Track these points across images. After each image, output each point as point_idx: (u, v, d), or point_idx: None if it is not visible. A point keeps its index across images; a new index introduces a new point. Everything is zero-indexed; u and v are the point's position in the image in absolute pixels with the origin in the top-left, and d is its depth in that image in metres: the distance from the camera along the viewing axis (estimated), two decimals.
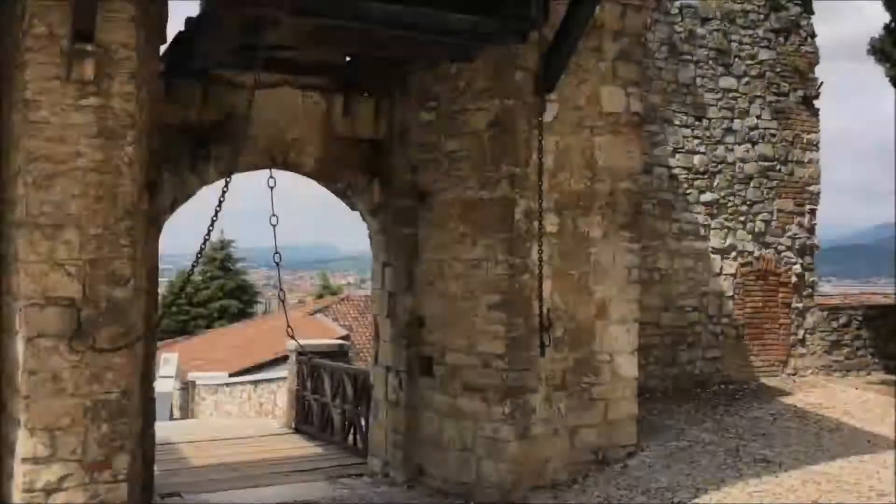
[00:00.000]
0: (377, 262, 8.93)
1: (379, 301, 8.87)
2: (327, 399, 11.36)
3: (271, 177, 8.95)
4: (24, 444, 5.70)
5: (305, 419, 12.14)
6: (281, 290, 10.92)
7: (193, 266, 7.01)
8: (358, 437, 10.32)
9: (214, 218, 5.87)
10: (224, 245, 45.96)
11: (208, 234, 5.96)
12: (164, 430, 14.98)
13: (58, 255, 5.78)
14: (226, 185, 6.03)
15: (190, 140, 7.81)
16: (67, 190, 5.81)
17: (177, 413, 21.95)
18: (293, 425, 12.38)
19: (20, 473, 5.70)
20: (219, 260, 45.60)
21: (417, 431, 8.25)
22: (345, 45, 7.43)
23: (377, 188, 8.62)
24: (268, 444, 11.18)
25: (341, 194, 8.71)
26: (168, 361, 22.14)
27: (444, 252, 8.02)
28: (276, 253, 9.34)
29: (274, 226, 9.03)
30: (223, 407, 19.38)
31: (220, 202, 6.59)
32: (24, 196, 5.74)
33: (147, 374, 7.20)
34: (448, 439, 7.89)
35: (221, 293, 44.23)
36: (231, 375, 21.14)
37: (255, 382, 17.17)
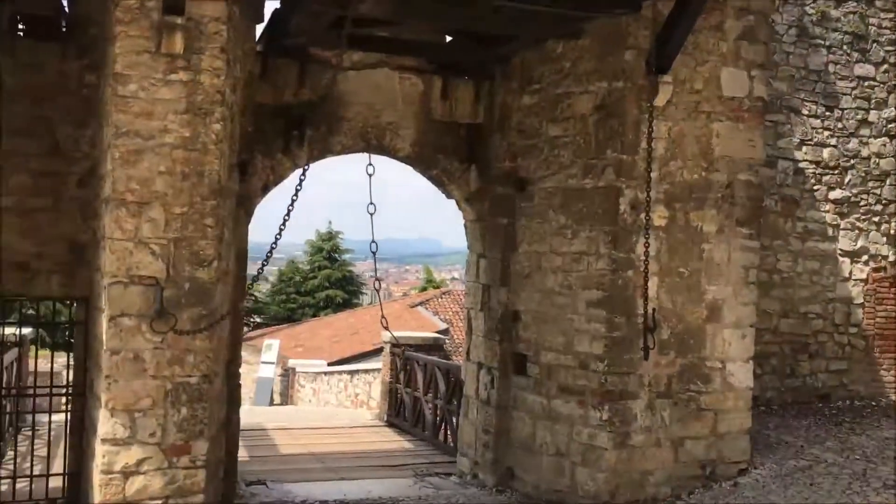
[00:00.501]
0: (472, 253, 8.55)
1: (472, 294, 8.48)
2: (420, 393, 11.07)
3: (370, 164, 8.84)
4: (104, 424, 5.60)
5: (398, 412, 11.91)
6: (377, 279, 10.74)
7: (270, 254, 6.79)
8: (449, 433, 9.98)
9: (294, 198, 5.62)
10: (332, 236, 46.79)
11: (287, 217, 5.71)
12: (259, 415, 15.10)
13: (142, 233, 5.65)
14: (303, 174, 5.81)
15: (284, 121, 7.62)
16: (154, 167, 5.67)
17: (277, 399, 22.26)
18: (385, 418, 12.17)
19: (99, 454, 5.61)
20: (326, 250, 46.45)
21: (509, 432, 7.82)
22: (441, 18, 7.05)
23: (474, 175, 8.23)
24: (358, 436, 10.98)
25: (437, 181, 8.35)
26: (270, 347, 22.46)
27: (542, 244, 7.55)
28: (373, 241, 9.24)
29: (371, 214, 9.00)
30: (321, 395, 19.46)
31: (301, 184, 6.34)
32: (111, 171, 5.64)
33: (233, 360, 7.05)
34: (541, 443, 7.42)
35: (328, 283, 45.06)
36: (330, 364, 21.23)
37: (352, 372, 17.10)
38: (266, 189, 7.63)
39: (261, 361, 22.30)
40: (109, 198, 5.64)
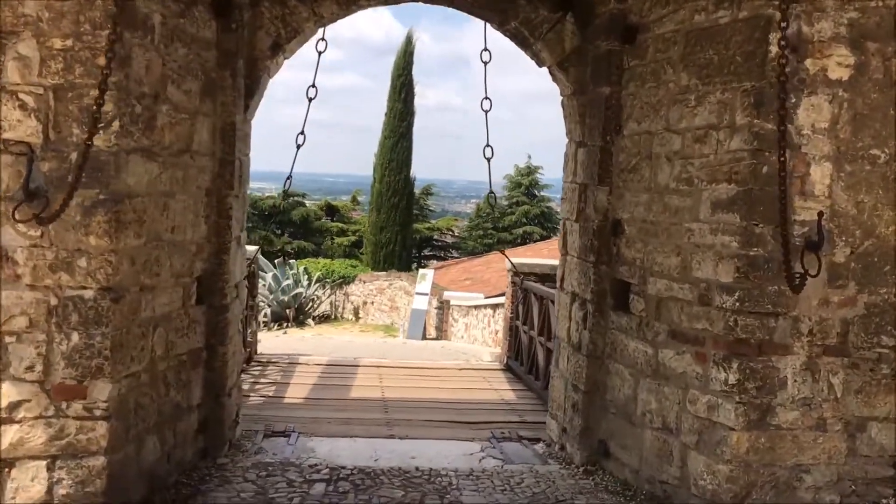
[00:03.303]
0: (570, 143, 6.18)
1: (569, 199, 6.14)
2: (535, 332, 8.91)
3: (486, 49, 7.18)
4: None
5: (517, 355, 9.82)
6: (491, 192, 9.03)
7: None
8: None
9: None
10: (531, 171, 45.04)
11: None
12: (368, 349, 13.54)
13: (7, 76, 3.91)
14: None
15: None
16: None
17: (433, 332, 20.86)
18: (505, 360, 10.14)
19: None
20: (524, 186, 44.77)
21: (604, 392, 5.54)
22: None
23: (570, 27, 5.82)
24: (459, 381, 9.01)
25: (518, 38, 6.01)
26: (424, 278, 20.99)
27: (654, 119, 5.07)
28: (487, 145, 7.93)
29: (486, 111, 7.54)
30: (471, 331, 17.76)
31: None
32: None
33: (217, 273, 5.26)
34: (643, 410, 5.09)
35: (525, 219, 43.65)
36: (486, 297, 19.40)
37: (495, 307, 15.14)
38: (277, 48, 5.70)
39: (415, 293, 20.93)
40: None
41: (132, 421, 4.33)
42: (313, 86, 7.31)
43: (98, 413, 4.06)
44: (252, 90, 5.62)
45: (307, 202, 45.22)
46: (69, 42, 3.91)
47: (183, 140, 4.73)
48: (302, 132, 7.45)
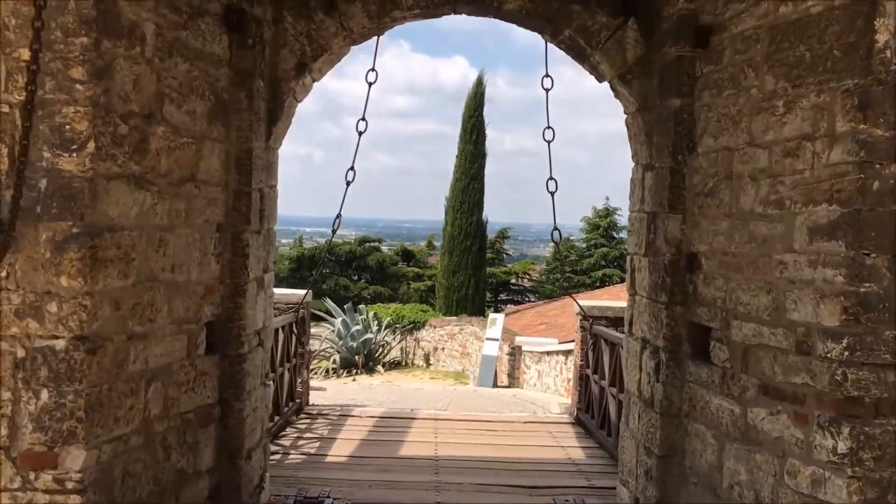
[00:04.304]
0: (636, 166, 5.41)
1: (636, 230, 5.35)
2: (606, 382, 8.04)
3: (545, 74, 6.99)
4: None
5: (588, 406, 8.95)
6: (556, 228, 8.43)
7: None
8: None
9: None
10: (609, 212, 44.06)
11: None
12: (435, 397, 12.79)
13: None
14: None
15: None
16: None
17: (504, 380, 19.97)
18: (575, 413, 9.26)
19: None
20: (602, 228, 43.81)
21: (682, 457, 4.67)
22: None
23: (633, 35, 5.09)
24: (523, 436, 8.18)
25: (573, 50, 5.31)
26: (494, 323, 20.16)
27: (734, 133, 4.28)
28: (551, 178, 7.56)
29: (549, 141, 7.12)
30: (544, 378, 16.84)
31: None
32: None
33: (231, 319, 4.66)
34: (730, 482, 4.21)
35: (604, 261, 42.59)
36: (561, 343, 18.46)
37: (567, 353, 14.22)
38: (303, 68, 5.15)
39: (485, 338, 20.12)
40: None
41: (117, 493, 3.71)
42: (363, 119, 6.90)
43: (70, 486, 3.45)
44: (276, 115, 5.07)
45: (384, 248, 45.14)
46: (37, 48, 3.39)
47: (186, 167, 4.17)
48: (352, 168, 7.04)
